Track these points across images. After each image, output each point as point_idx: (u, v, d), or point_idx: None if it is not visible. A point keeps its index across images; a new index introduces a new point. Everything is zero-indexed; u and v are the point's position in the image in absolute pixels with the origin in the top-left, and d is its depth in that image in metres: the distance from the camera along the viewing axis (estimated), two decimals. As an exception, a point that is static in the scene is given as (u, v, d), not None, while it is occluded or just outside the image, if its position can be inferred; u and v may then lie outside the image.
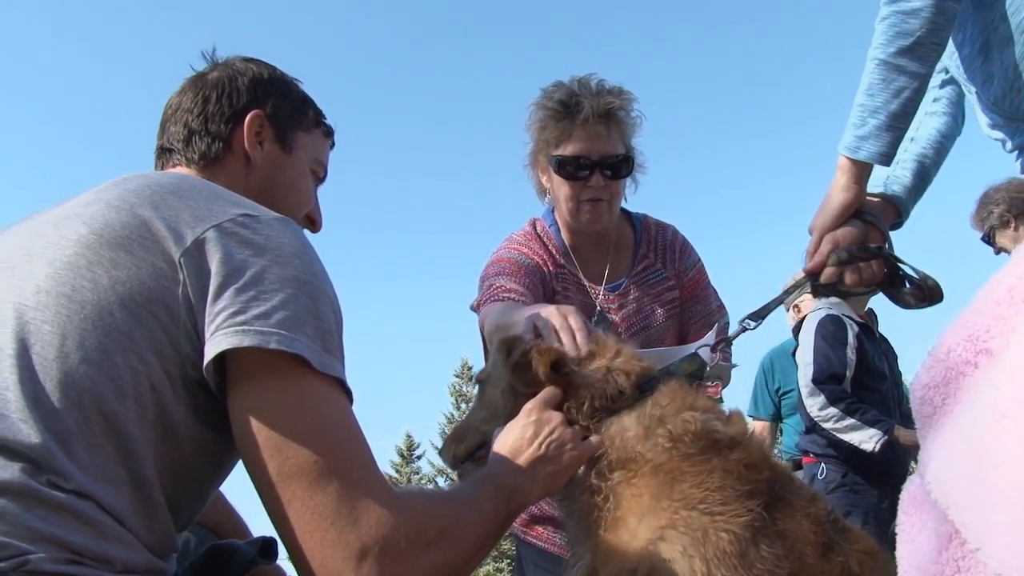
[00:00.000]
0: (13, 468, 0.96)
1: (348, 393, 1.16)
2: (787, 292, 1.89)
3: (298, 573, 1.08)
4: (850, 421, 3.62)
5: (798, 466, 4.56)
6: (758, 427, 4.80)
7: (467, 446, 1.62)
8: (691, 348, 1.98)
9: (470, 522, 1.18)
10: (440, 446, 1.75)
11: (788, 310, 4.80)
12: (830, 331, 3.84)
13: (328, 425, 1.09)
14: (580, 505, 1.36)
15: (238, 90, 1.51)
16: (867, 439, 3.57)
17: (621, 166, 2.24)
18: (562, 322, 1.57)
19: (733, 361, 1.87)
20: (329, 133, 1.67)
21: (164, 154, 1.51)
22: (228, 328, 1.06)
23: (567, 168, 2.21)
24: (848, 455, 3.68)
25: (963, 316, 0.91)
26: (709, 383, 2.33)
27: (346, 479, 1.06)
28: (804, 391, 3.78)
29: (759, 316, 1.77)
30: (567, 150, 2.20)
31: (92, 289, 1.07)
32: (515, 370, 1.47)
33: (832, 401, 3.67)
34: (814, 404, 3.71)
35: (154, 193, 1.18)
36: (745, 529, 1.19)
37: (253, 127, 1.49)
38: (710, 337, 1.88)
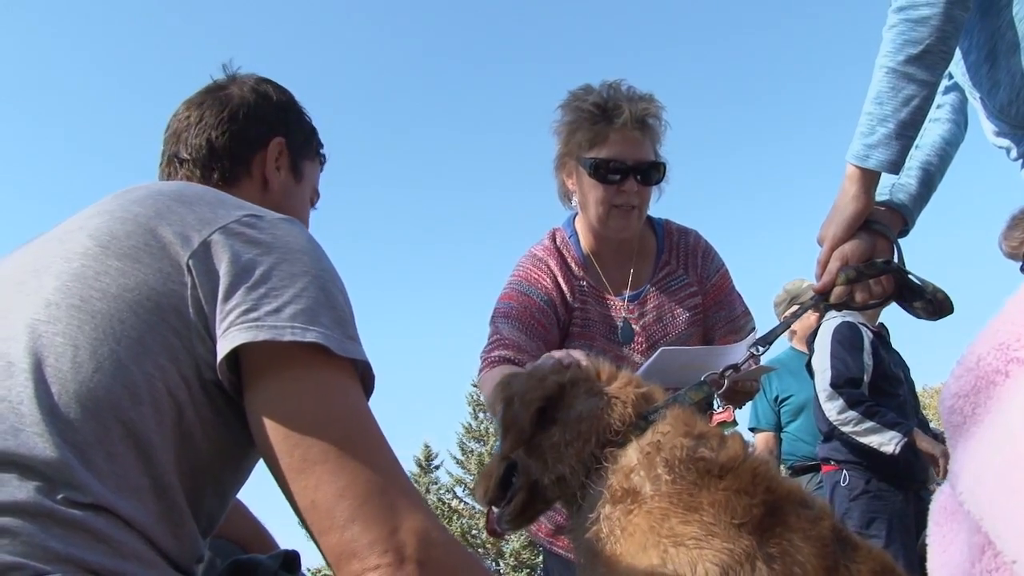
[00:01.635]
0: (28, 487, 0.95)
1: (372, 377, 1.16)
2: (795, 315, 1.89)
3: (326, 560, 1.06)
4: (869, 424, 3.64)
5: (798, 472, 4.58)
6: (760, 439, 4.82)
7: (496, 477, 1.62)
8: (723, 350, 1.98)
9: None
10: (472, 489, 1.77)
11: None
12: (846, 336, 3.87)
13: (351, 412, 1.09)
14: (588, 539, 1.36)
15: (264, 114, 1.53)
16: (887, 441, 3.59)
17: (653, 173, 2.24)
18: (563, 354, 1.62)
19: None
20: (323, 160, 1.71)
21: (174, 162, 1.51)
22: (241, 324, 1.06)
23: (601, 171, 2.20)
24: (871, 460, 3.70)
25: (993, 325, 0.90)
26: (718, 409, 2.33)
27: (373, 463, 1.06)
28: (822, 396, 3.79)
29: (767, 341, 1.77)
30: (602, 153, 2.20)
31: (101, 299, 1.07)
32: (504, 419, 1.51)
33: (851, 404, 3.69)
34: (832, 408, 3.73)
35: (157, 201, 1.19)
36: (734, 558, 1.18)
37: (274, 153, 1.52)
38: (746, 344, 1.88)
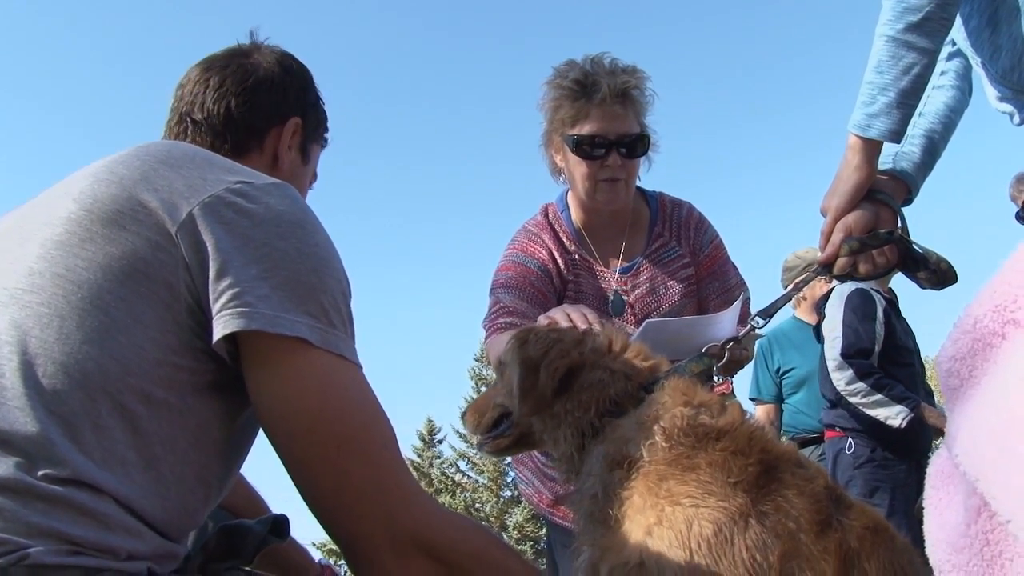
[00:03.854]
0: (8, 463, 0.95)
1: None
2: (797, 287, 1.89)
3: (341, 550, 1.10)
4: (877, 396, 3.63)
5: (800, 444, 4.58)
6: (761, 411, 4.82)
7: (489, 417, 1.70)
8: (708, 319, 1.99)
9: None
10: (463, 413, 1.83)
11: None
12: (859, 305, 3.83)
13: (349, 408, 1.10)
14: (586, 504, 1.39)
15: (286, 91, 1.52)
16: (893, 415, 3.59)
17: (637, 145, 2.25)
18: (577, 313, 1.67)
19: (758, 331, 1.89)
20: (325, 145, 1.71)
21: (186, 121, 1.47)
22: (233, 309, 1.06)
23: (584, 148, 2.22)
24: (876, 428, 3.69)
25: (989, 286, 0.90)
26: (717, 380, 2.36)
27: (370, 460, 1.08)
28: (831, 364, 3.77)
29: (768, 314, 1.78)
30: (584, 129, 2.21)
31: (87, 268, 1.05)
32: (524, 372, 1.53)
33: (860, 376, 3.67)
34: (841, 378, 3.70)
35: (143, 163, 1.16)
36: (728, 516, 1.21)
37: (290, 131, 1.52)
38: (731, 312, 1.89)
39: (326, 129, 1.68)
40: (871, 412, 3.64)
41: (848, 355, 3.72)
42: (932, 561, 0.94)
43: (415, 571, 1.07)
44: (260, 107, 1.48)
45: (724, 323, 1.90)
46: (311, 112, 1.58)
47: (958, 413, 0.92)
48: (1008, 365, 0.85)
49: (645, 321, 2.02)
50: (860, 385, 3.66)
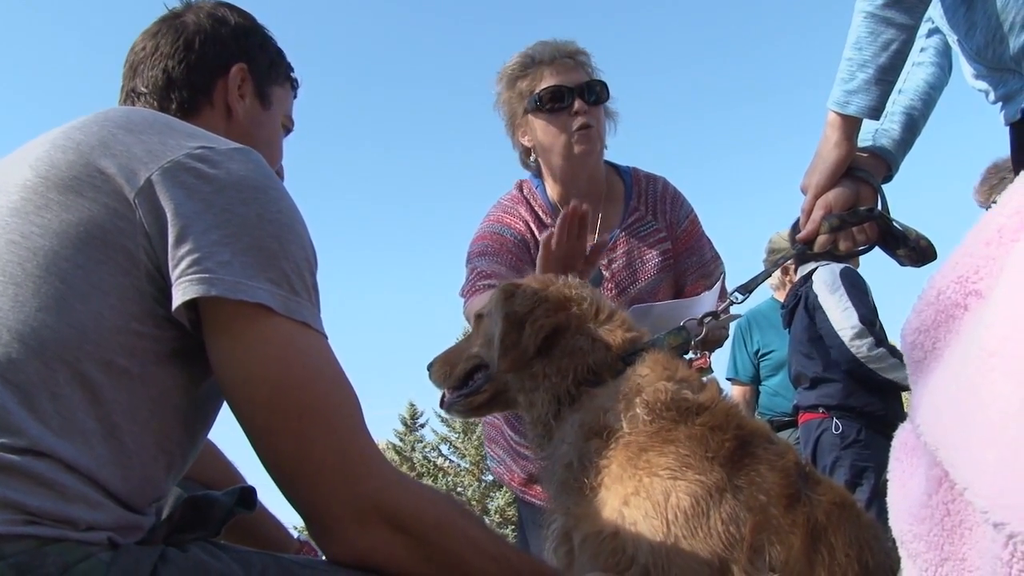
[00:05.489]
0: None
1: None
2: (776, 264, 1.89)
3: (303, 521, 1.09)
4: (894, 360, 3.69)
5: (776, 428, 4.58)
6: (737, 391, 4.82)
7: (462, 369, 1.67)
8: (690, 302, 2.00)
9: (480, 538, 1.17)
10: (429, 364, 1.74)
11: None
12: (857, 281, 3.92)
13: (310, 377, 1.08)
14: (560, 473, 1.40)
15: (222, 40, 1.47)
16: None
17: (598, 89, 2.29)
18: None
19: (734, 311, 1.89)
20: (296, 85, 1.66)
21: (132, 97, 1.46)
22: (193, 275, 1.04)
23: (547, 101, 2.25)
24: (865, 403, 3.77)
25: (953, 258, 0.90)
26: (695, 354, 2.38)
27: (331, 429, 1.07)
28: (849, 333, 3.79)
29: (747, 289, 1.78)
30: (543, 84, 2.26)
31: (43, 235, 1.04)
32: (508, 326, 1.50)
33: (879, 343, 3.74)
34: (863, 345, 3.76)
35: (102, 128, 1.14)
36: (705, 489, 1.22)
37: (236, 81, 1.47)
38: (712, 293, 1.89)
39: (288, 69, 1.62)
40: (890, 376, 3.72)
41: (868, 322, 3.79)
42: (894, 532, 0.94)
43: (377, 540, 1.06)
44: (196, 63, 1.45)
45: (706, 304, 1.91)
46: (258, 54, 1.53)
47: (921, 385, 0.92)
48: (968, 335, 0.85)
49: (631, 307, 2.03)
50: (882, 351, 3.73)
